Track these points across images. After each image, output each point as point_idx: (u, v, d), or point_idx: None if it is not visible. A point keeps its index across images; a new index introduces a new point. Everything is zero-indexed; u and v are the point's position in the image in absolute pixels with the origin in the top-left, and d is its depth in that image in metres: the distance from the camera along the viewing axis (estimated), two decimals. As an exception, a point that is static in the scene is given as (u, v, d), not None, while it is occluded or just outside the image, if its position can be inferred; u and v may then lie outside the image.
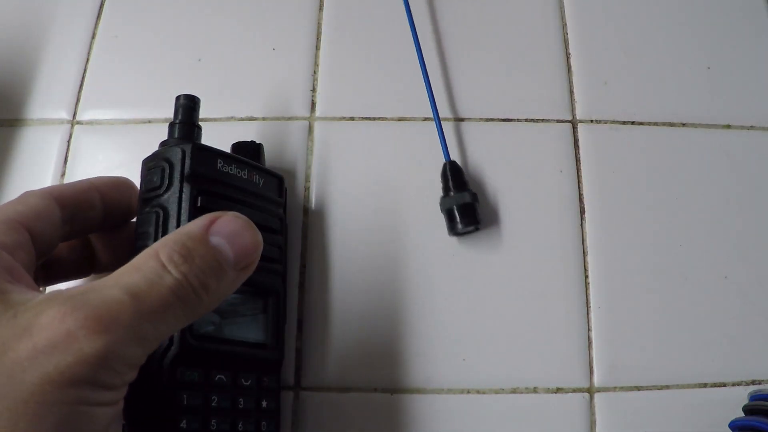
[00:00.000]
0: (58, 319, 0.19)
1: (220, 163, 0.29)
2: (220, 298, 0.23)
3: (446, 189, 0.34)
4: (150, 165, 0.28)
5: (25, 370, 0.18)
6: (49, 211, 0.25)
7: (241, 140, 0.34)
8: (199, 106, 0.31)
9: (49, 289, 0.30)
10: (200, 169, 0.28)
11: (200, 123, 0.31)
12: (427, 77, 0.36)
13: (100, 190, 0.27)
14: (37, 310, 0.19)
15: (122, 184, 0.29)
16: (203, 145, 0.28)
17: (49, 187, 0.27)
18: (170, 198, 0.27)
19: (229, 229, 0.23)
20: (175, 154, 0.27)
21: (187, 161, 0.27)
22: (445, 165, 0.34)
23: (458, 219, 0.33)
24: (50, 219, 0.25)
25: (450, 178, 0.34)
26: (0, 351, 0.19)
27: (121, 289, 0.20)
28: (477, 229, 0.34)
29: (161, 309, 0.20)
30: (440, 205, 0.34)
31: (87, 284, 0.21)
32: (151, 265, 0.21)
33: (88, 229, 0.28)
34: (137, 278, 0.20)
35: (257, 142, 0.34)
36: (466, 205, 0.33)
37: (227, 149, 0.35)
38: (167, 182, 0.27)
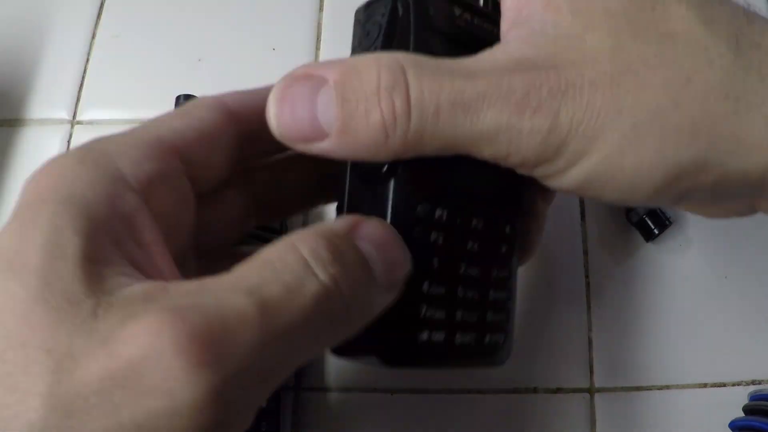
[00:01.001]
0: (150, 334, 0.13)
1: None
2: (362, 322, 0.17)
3: None
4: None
5: (88, 408, 0.13)
6: (218, 128, 0.19)
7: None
8: None
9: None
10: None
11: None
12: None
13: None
14: (125, 312, 0.14)
15: None
16: None
17: (220, 95, 0.21)
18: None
19: (377, 237, 0.17)
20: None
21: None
22: None
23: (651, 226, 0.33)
24: (220, 140, 0.19)
25: None
26: (64, 369, 0.13)
27: (246, 294, 0.14)
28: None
29: (299, 327, 0.14)
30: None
31: (196, 283, 0.15)
32: (290, 262, 0.15)
33: (265, 152, 0.21)
34: (270, 280, 0.14)
35: None
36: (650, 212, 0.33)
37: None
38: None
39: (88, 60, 0.38)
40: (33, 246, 0.14)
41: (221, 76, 0.38)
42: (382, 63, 0.17)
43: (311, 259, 0.15)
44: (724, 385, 0.32)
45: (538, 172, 0.19)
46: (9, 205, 0.35)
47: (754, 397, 0.31)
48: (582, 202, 0.35)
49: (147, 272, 0.16)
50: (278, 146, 0.18)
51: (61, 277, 0.14)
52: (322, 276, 0.15)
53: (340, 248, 0.16)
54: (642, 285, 0.34)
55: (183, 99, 0.30)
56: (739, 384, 0.32)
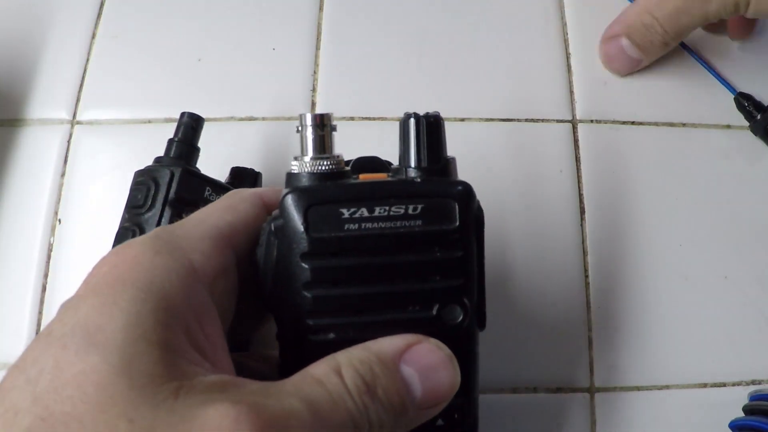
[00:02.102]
0: (230, 420, 0.15)
1: (208, 191, 0.28)
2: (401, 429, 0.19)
3: None
4: (138, 180, 0.28)
5: None
6: (258, 222, 0.21)
7: (240, 166, 0.33)
8: (201, 127, 0.31)
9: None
10: (185, 195, 0.27)
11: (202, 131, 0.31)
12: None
13: None
14: (203, 398, 0.16)
15: None
16: (193, 170, 0.29)
17: (257, 190, 0.22)
18: (150, 219, 0.27)
19: (425, 363, 0.19)
20: (164, 176, 0.28)
21: (174, 185, 0.27)
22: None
23: None
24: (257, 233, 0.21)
25: None
26: (140, 428, 0.15)
27: (302, 401, 0.17)
28: None
29: None
30: None
31: (260, 384, 0.17)
32: (335, 383, 0.18)
33: None
34: (320, 393, 0.17)
35: (256, 170, 0.33)
36: None
37: (226, 149, 0.35)
38: (150, 203, 0.27)
39: (88, 60, 0.38)
40: (116, 325, 0.16)
41: (221, 76, 0.38)
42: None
43: (350, 385, 0.18)
44: (724, 385, 0.32)
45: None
46: (9, 205, 0.35)
47: (754, 397, 0.31)
48: (582, 202, 0.35)
49: (212, 362, 0.18)
50: None
51: (143, 359, 0.16)
52: (357, 400, 0.17)
53: (377, 377, 0.18)
54: (642, 285, 0.34)
55: (186, 117, 0.30)
56: (739, 384, 0.32)
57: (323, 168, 0.21)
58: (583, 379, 0.32)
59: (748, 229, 0.35)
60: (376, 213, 0.20)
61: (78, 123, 0.37)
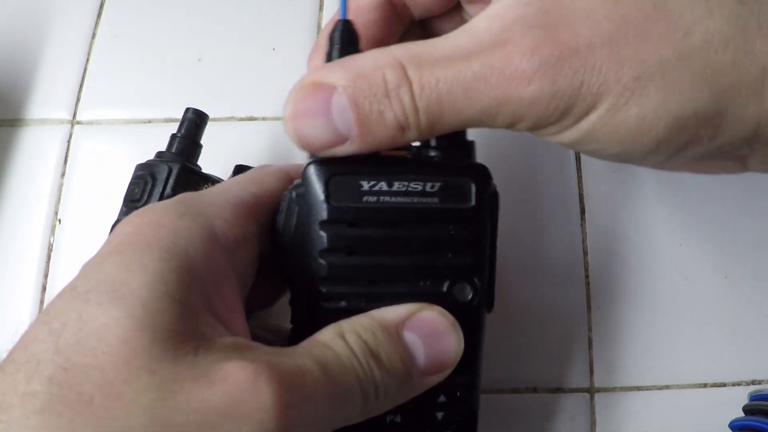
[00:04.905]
0: (248, 374, 0.16)
1: (206, 188, 0.28)
2: (396, 402, 0.19)
3: None
4: (137, 174, 0.28)
5: (187, 425, 0.15)
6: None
7: (243, 164, 0.32)
8: (205, 124, 0.31)
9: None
10: (182, 192, 0.27)
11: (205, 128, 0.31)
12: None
13: None
14: (222, 355, 0.16)
15: None
16: (193, 167, 0.29)
17: (283, 165, 0.23)
18: None
19: (428, 329, 0.19)
20: (162, 171, 0.28)
21: (171, 181, 0.27)
22: None
23: None
24: None
25: None
26: (167, 388, 0.15)
27: (314, 362, 0.17)
28: None
29: (347, 396, 0.18)
30: None
31: (273, 348, 0.18)
32: (341, 345, 0.18)
33: None
34: (330, 356, 0.18)
35: None
36: None
37: (227, 149, 0.35)
38: (146, 197, 0.27)
39: (88, 60, 0.38)
40: (140, 282, 0.16)
41: (221, 76, 0.38)
42: (384, 64, 0.19)
43: (355, 348, 0.18)
44: (724, 385, 0.32)
45: (546, 132, 0.20)
46: (9, 205, 0.35)
47: (754, 397, 0.31)
48: (582, 202, 0.35)
49: (227, 326, 0.18)
50: None
51: (166, 315, 0.16)
52: (365, 365, 0.18)
53: (380, 342, 0.19)
54: (642, 285, 0.34)
55: (191, 113, 0.30)
56: (739, 384, 0.32)
57: None
58: (582, 379, 0.32)
59: (748, 229, 0.35)
60: (395, 188, 0.21)
61: (78, 123, 0.37)
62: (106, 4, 0.40)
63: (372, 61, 0.19)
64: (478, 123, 0.19)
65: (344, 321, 0.19)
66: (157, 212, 0.19)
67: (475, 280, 0.22)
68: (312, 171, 0.21)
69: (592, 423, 0.32)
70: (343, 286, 0.21)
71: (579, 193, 0.35)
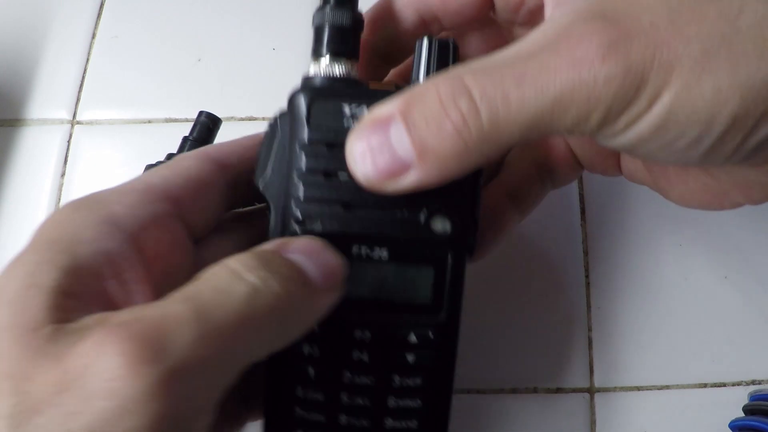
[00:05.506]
0: (95, 344, 0.14)
1: None
2: (309, 320, 0.18)
3: None
4: None
5: (44, 420, 0.14)
6: (205, 175, 0.21)
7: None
8: (218, 128, 0.31)
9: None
10: None
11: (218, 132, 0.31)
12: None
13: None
14: (79, 335, 0.15)
15: None
16: None
17: (207, 147, 0.22)
18: None
19: (305, 250, 0.19)
20: None
21: None
22: None
23: None
24: (208, 186, 0.21)
25: None
26: (21, 385, 0.14)
27: (182, 301, 0.16)
28: None
29: (234, 324, 0.16)
30: None
31: (150, 303, 0.16)
32: (221, 274, 0.17)
33: (255, 198, 0.23)
34: (202, 288, 0.16)
35: None
36: None
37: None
38: None
39: (88, 60, 0.38)
40: (13, 280, 0.16)
41: (221, 76, 0.38)
42: (437, 81, 0.18)
43: (240, 268, 0.17)
44: (724, 385, 0.32)
45: (618, 126, 0.18)
46: (9, 205, 0.35)
47: (754, 397, 0.31)
48: (582, 202, 0.35)
49: (120, 306, 0.17)
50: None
51: (30, 307, 0.15)
52: (251, 278, 0.17)
53: (267, 257, 0.18)
54: (642, 285, 0.34)
55: (204, 116, 0.29)
56: (739, 384, 0.32)
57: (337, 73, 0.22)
58: (582, 379, 0.32)
59: (748, 229, 0.35)
60: None
61: (78, 123, 0.37)
62: (106, 4, 0.40)
63: (428, 83, 0.18)
64: (548, 120, 0.18)
65: (227, 258, 0.18)
66: (59, 212, 0.19)
67: (455, 216, 0.21)
68: (296, 93, 0.21)
69: (592, 423, 0.32)
70: (318, 209, 0.21)
71: (579, 193, 0.35)
